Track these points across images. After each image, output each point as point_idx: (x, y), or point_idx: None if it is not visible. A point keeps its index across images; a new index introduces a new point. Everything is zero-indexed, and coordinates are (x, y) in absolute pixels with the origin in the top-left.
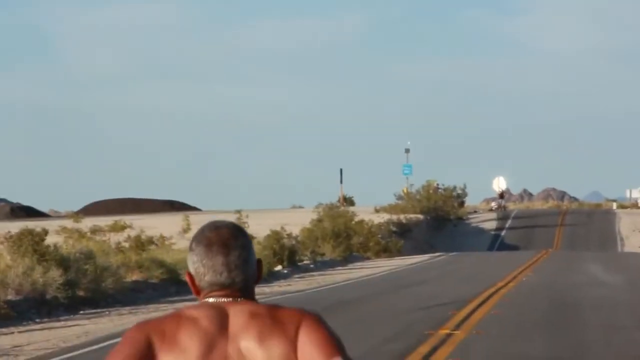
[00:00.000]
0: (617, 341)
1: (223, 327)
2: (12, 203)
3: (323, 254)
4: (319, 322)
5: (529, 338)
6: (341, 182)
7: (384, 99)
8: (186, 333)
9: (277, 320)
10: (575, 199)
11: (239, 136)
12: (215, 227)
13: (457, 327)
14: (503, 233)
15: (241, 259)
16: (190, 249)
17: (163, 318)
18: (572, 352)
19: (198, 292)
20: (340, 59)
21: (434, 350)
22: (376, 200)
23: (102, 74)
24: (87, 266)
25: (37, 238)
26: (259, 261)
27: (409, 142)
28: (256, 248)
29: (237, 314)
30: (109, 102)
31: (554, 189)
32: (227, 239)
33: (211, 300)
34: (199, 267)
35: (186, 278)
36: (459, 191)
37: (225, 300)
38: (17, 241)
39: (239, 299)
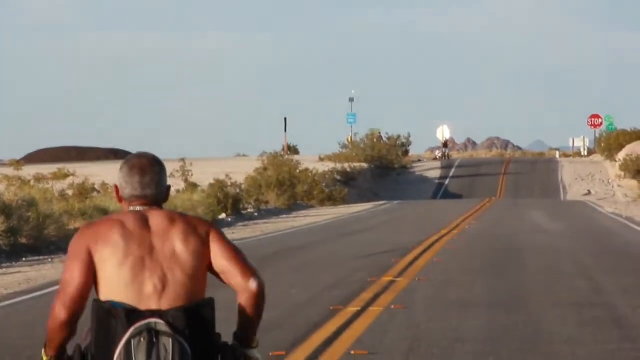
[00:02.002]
0: (558, 287)
1: (146, 226)
2: None
3: (267, 203)
4: (222, 232)
5: (471, 285)
6: (285, 131)
7: (328, 48)
8: (116, 232)
9: (191, 224)
10: (519, 148)
11: (183, 85)
12: (139, 156)
13: (400, 274)
14: (447, 182)
15: (153, 181)
16: (120, 168)
17: (97, 224)
18: (513, 298)
19: (120, 201)
20: (285, 8)
21: (376, 297)
22: (320, 149)
23: (41, 20)
24: (29, 214)
25: None
26: (169, 187)
27: (353, 91)
28: (200, 196)
29: (156, 217)
30: (51, 48)
31: (497, 138)
32: (145, 165)
33: (132, 208)
34: (122, 182)
35: (114, 189)
36: (403, 140)
37: (144, 208)
38: None
39: (153, 207)
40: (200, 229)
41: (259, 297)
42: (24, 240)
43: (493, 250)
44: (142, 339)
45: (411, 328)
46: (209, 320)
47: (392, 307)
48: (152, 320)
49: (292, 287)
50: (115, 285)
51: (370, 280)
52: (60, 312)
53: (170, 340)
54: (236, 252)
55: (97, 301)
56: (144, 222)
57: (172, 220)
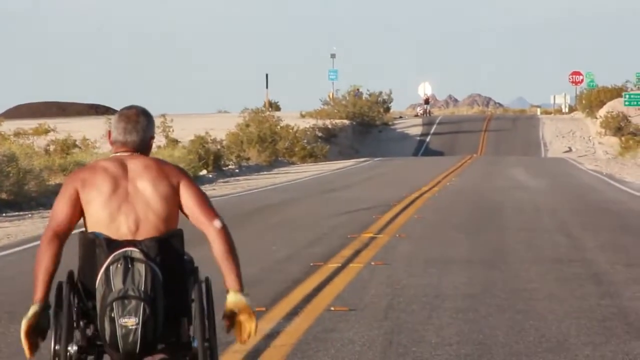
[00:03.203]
0: (538, 243)
1: (124, 172)
2: None
3: (248, 159)
4: (192, 179)
5: (452, 241)
6: (267, 87)
7: (310, 3)
8: (100, 176)
9: (164, 171)
10: (500, 105)
11: (165, 40)
12: (129, 108)
13: (381, 230)
14: (428, 139)
15: (135, 129)
16: (114, 118)
17: (84, 169)
18: (493, 254)
19: (112, 144)
20: None
21: (357, 253)
22: (302, 106)
23: None
24: (9, 169)
25: None
26: (152, 137)
27: (334, 48)
28: (181, 152)
29: (133, 163)
30: (34, 2)
31: (479, 95)
32: (132, 114)
33: (115, 155)
34: (113, 128)
35: (107, 133)
36: (385, 97)
37: (125, 154)
38: None
39: (134, 154)
40: (172, 176)
41: (226, 234)
42: (3, 196)
43: (474, 207)
44: (119, 265)
45: (391, 284)
46: (178, 249)
47: (373, 263)
48: (129, 248)
49: (272, 243)
50: (97, 224)
51: (350, 236)
52: (47, 232)
53: (144, 265)
54: (203, 198)
55: (83, 232)
56: (122, 168)
57: (147, 167)
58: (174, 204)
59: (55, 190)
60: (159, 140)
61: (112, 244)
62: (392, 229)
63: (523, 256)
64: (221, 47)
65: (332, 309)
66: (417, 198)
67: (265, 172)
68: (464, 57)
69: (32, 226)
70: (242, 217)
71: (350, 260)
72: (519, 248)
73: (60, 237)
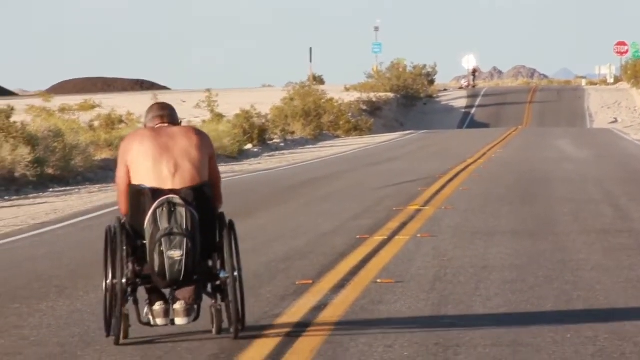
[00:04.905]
0: (584, 214)
1: (163, 133)
2: None
3: (293, 133)
4: (215, 157)
5: (498, 213)
6: (311, 61)
7: None
8: (145, 137)
9: (199, 135)
10: (545, 77)
11: (210, 15)
12: (162, 102)
13: (426, 203)
14: (473, 111)
15: (168, 109)
16: (146, 111)
17: (129, 136)
18: (539, 226)
19: (145, 126)
20: None
21: (402, 225)
22: (346, 79)
23: None
24: (55, 144)
25: (2, 115)
26: (181, 121)
27: (378, 20)
28: (226, 127)
29: (171, 128)
30: None
31: (523, 67)
32: (164, 106)
33: (153, 125)
34: (147, 118)
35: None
36: (429, 69)
37: (164, 125)
38: None
39: (170, 125)
40: (206, 142)
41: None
42: (50, 171)
43: (519, 178)
44: (164, 209)
45: (437, 256)
46: (209, 195)
47: (419, 235)
48: (170, 196)
49: (318, 216)
50: (142, 172)
51: (396, 209)
52: (119, 194)
53: (184, 209)
54: (220, 179)
55: (131, 185)
56: (162, 130)
57: (185, 130)
58: (205, 155)
59: (101, 165)
60: (203, 115)
61: (156, 193)
62: (438, 201)
63: (570, 227)
64: (265, 21)
65: (379, 281)
66: (462, 170)
67: (310, 146)
68: (508, 29)
69: (79, 201)
70: (288, 190)
71: (396, 232)
72: (566, 219)
73: (126, 190)
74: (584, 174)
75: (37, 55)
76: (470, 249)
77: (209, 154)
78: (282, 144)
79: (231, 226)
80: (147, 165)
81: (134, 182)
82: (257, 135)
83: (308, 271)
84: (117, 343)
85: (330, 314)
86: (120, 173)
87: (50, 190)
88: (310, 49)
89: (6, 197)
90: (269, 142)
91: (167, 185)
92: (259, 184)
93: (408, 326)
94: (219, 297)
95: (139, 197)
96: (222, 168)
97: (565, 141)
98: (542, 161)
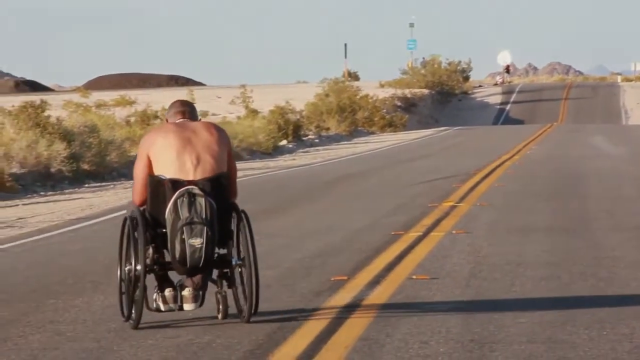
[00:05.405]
0: (620, 211)
1: (186, 127)
2: (16, 77)
3: (328, 129)
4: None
5: (533, 209)
6: (345, 57)
7: None
8: (169, 131)
9: (219, 131)
10: (580, 73)
11: (244, 12)
12: (183, 99)
13: (461, 199)
14: (508, 107)
15: (189, 106)
16: (168, 109)
17: (153, 132)
18: (575, 222)
19: (167, 120)
20: None
21: (437, 222)
22: (381, 75)
23: None
24: (91, 140)
25: (38, 110)
26: (201, 118)
27: (413, 17)
28: (261, 123)
29: (193, 123)
30: None
31: (558, 63)
32: (186, 103)
33: (175, 120)
34: (170, 112)
35: (165, 118)
36: (464, 65)
37: (183, 120)
38: (19, 114)
39: (191, 120)
40: (225, 138)
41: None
42: (86, 167)
43: (555, 175)
44: (184, 199)
45: (473, 253)
46: (225, 185)
47: (454, 232)
48: (190, 186)
49: (352, 212)
50: (165, 163)
51: (431, 205)
52: (136, 184)
53: (203, 199)
54: (236, 174)
55: (151, 176)
56: (185, 124)
57: (206, 125)
58: (224, 150)
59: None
60: (238, 111)
61: (176, 184)
62: (473, 198)
63: (605, 224)
64: (300, 17)
65: (414, 277)
66: (497, 166)
67: (345, 142)
68: (543, 25)
69: (115, 197)
70: (323, 186)
71: (431, 229)
72: (601, 216)
73: (144, 185)
74: (620, 170)
75: (71, 50)
76: (506, 246)
77: (227, 149)
78: (316, 140)
79: (245, 215)
80: (170, 157)
81: (156, 173)
82: (292, 131)
83: (343, 267)
84: (135, 327)
85: (365, 310)
86: (139, 164)
87: (86, 185)
88: (345, 45)
89: (42, 193)
90: (303, 139)
91: (189, 176)
92: (293, 179)
93: (443, 322)
94: (224, 283)
95: (158, 187)
96: (257, 164)
97: (600, 138)
98: (578, 158)
